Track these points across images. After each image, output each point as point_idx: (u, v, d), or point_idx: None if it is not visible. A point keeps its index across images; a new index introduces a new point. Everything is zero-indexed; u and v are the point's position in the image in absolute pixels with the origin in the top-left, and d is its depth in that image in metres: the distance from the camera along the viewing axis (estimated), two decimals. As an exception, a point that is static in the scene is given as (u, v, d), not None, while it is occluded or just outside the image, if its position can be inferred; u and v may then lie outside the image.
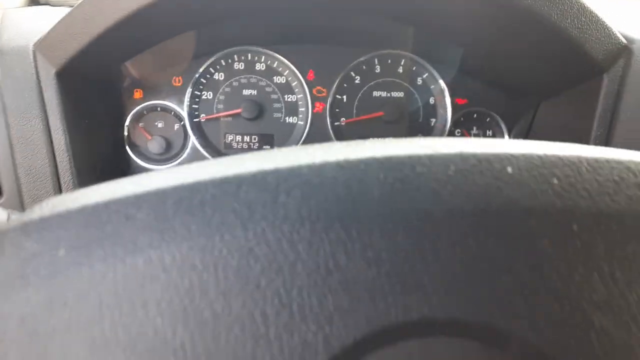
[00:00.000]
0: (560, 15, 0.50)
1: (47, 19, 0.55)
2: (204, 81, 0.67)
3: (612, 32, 0.52)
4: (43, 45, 0.53)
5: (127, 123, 0.66)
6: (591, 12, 0.51)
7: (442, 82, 0.68)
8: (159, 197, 0.18)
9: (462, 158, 0.18)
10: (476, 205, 0.17)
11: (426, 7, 0.55)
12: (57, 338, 0.16)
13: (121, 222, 0.17)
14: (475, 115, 0.69)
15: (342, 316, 0.16)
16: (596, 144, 0.55)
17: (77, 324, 0.16)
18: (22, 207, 0.54)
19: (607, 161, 0.19)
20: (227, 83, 0.68)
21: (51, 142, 0.53)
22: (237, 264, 0.16)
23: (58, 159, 0.53)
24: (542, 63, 0.58)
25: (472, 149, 0.19)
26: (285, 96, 0.68)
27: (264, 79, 0.68)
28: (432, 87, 0.69)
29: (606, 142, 0.54)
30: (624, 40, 0.53)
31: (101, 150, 0.61)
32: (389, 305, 0.16)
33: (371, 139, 0.21)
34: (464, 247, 0.17)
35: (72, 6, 0.54)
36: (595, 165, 0.19)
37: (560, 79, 0.59)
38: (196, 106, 0.67)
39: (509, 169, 0.18)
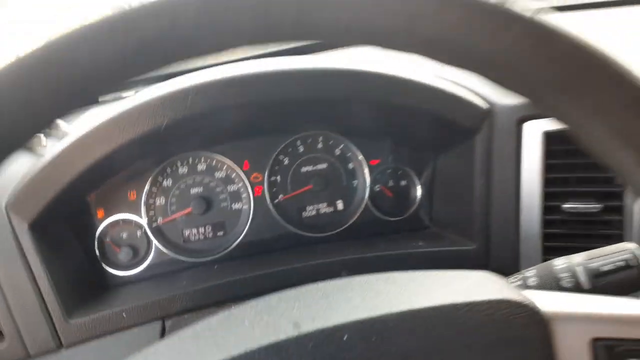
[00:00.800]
0: (427, 102, 0.64)
1: (12, 174, 0.64)
2: (155, 190, 0.77)
3: (473, 103, 0.66)
4: (14, 204, 0.61)
5: (96, 237, 0.75)
6: (450, 93, 0.65)
7: (356, 150, 0.81)
8: None
9: None
10: None
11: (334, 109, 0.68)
12: None
13: None
14: (389, 171, 0.82)
15: None
16: (480, 191, 0.69)
17: None
18: (22, 343, 0.62)
19: None
20: (176, 186, 0.78)
21: (35, 281, 0.62)
22: None
23: (44, 294, 0.62)
24: (429, 129, 0.72)
25: None
26: (228, 187, 0.79)
27: (207, 177, 0.79)
28: (349, 154, 0.82)
29: (487, 188, 0.69)
30: (485, 106, 0.67)
31: (77, 270, 0.70)
32: None
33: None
34: None
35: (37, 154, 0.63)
36: None
37: (446, 140, 0.73)
38: (152, 212, 0.77)
39: None
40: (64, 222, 0.69)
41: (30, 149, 0.68)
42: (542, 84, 0.22)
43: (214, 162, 0.79)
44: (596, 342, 0.31)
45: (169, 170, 0.78)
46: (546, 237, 0.65)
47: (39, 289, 0.62)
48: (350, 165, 0.82)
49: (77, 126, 0.63)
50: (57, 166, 0.62)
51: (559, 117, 0.23)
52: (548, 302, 0.32)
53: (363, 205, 0.82)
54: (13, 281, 0.61)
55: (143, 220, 0.77)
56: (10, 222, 0.62)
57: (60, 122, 0.68)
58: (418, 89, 0.66)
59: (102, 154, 0.62)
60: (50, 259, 0.63)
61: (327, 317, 0.29)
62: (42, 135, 0.70)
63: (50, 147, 0.65)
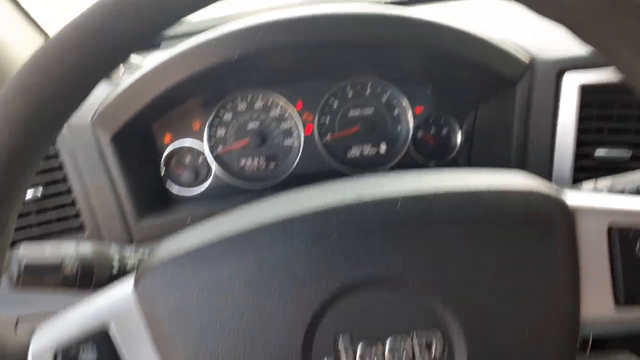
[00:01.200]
0: (474, 51, 0.69)
1: (96, 97, 0.73)
2: (216, 121, 0.86)
3: (515, 55, 0.71)
4: (99, 120, 0.71)
5: (162, 162, 0.84)
6: (496, 45, 0.69)
7: (402, 97, 0.86)
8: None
9: None
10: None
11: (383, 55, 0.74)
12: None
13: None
14: (432, 119, 0.88)
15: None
16: (518, 140, 0.73)
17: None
18: (100, 236, 0.73)
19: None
20: (235, 120, 0.86)
21: (114, 186, 0.72)
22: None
23: (122, 200, 0.72)
24: (473, 79, 0.77)
25: None
26: (281, 124, 0.87)
27: (262, 113, 0.86)
28: (395, 101, 0.87)
29: (525, 137, 0.73)
30: (527, 58, 0.71)
31: (148, 182, 0.80)
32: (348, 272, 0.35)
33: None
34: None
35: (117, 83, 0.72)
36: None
37: (488, 89, 0.78)
38: (213, 141, 0.86)
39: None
40: (139, 141, 0.79)
41: (110, 78, 0.78)
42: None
43: (270, 101, 0.86)
44: (612, 230, 0.36)
45: (229, 105, 0.86)
46: (576, 182, 0.70)
47: (117, 193, 0.72)
48: (396, 112, 0.87)
49: (150, 59, 0.72)
50: (135, 90, 0.71)
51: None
52: (573, 196, 0.37)
53: (405, 150, 0.88)
54: (96, 185, 0.72)
55: (205, 148, 0.85)
56: (96, 135, 0.71)
57: (134, 56, 0.77)
58: (466, 38, 0.71)
59: (173, 83, 0.70)
60: (127, 168, 0.73)
61: (383, 191, 0.36)
62: (120, 67, 0.79)
63: (126, 76, 0.74)
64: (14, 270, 0.43)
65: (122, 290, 0.36)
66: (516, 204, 0.36)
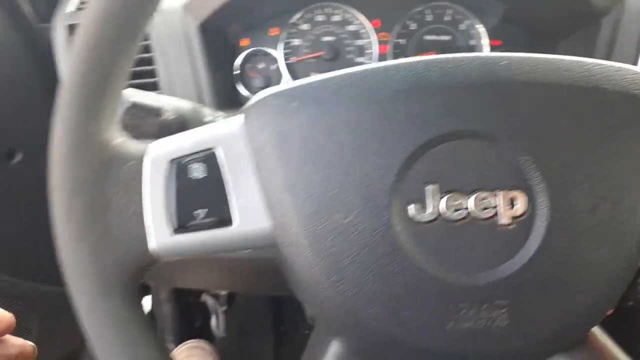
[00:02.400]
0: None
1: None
2: (294, 31, 0.87)
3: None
4: (189, 5, 0.74)
5: (239, 63, 0.87)
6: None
7: (480, 27, 0.86)
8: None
9: None
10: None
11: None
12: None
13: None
14: (507, 53, 0.87)
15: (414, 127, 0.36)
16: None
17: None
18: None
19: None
20: (311, 31, 0.87)
21: (197, 77, 0.75)
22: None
23: (202, 89, 0.75)
24: (558, 10, 0.76)
25: None
26: (356, 41, 0.88)
27: (339, 28, 0.87)
28: (472, 31, 0.86)
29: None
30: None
31: (224, 82, 0.83)
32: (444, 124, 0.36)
33: None
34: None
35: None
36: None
37: (572, 23, 0.76)
38: (288, 50, 0.88)
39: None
40: (222, 38, 0.82)
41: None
42: None
43: (348, 15, 0.87)
44: None
45: (308, 15, 0.87)
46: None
47: (198, 82, 0.75)
48: (472, 42, 0.87)
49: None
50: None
51: None
52: None
53: (475, 81, 0.87)
54: (179, 71, 0.75)
55: (279, 55, 0.87)
56: (185, 22, 0.74)
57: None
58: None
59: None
60: (210, 60, 0.76)
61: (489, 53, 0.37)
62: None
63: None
64: (120, 106, 0.47)
65: (233, 120, 0.39)
66: (616, 78, 0.36)
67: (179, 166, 0.37)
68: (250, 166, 0.37)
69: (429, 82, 0.36)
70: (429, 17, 0.87)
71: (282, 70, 0.88)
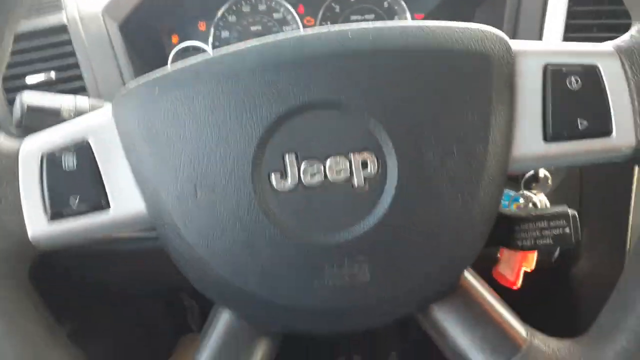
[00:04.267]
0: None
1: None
2: (222, 24, 0.89)
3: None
4: (107, 8, 0.76)
5: (170, 60, 0.89)
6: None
7: (402, 2, 0.87)
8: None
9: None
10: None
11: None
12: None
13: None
14: (431, 26, 0.89)
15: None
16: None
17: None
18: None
19: None
20: (239, 23, 0.89)
21: (122, 78, 0.77)
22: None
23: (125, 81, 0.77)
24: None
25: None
26: (284, 27, 0.90)
27: (265, 16, 0.89)
28: (396, 7, 0.88)
29: (514, 32, 0.74)
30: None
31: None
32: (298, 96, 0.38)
33: None
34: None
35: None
36: None
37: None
38: (218, 43, 0.90)
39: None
40: (147, 36, 0.83)
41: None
42: None
43: (273, 3, 0.89)
44: (547, 68, 0.39)
45: (234, 7, 0.89)
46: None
47: (124, 82, 0.77)
48: (396, 18, 0.89)
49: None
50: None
51: None
52: (517, 42, 0.40)
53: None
54: (105, 73, 0.77)
55: (209, 48, 0.89)
56: (105, 24, 0.76)
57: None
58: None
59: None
60: (135, 59, 0.78)
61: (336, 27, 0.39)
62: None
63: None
64: (18, 110, 0.49)
65: (102, 112, 0.41)
66: (460, 37, 0.38)
67: (51, 158, 0.39)
68: (119, 152, 0.39)
69: (280, 59, 0.38)
70: (352, -2, 0.89)
71: (214, 63, 0.90)
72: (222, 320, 0.43)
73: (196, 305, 1.38)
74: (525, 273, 0.59)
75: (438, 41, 0.39)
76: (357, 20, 0.89)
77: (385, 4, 0.88)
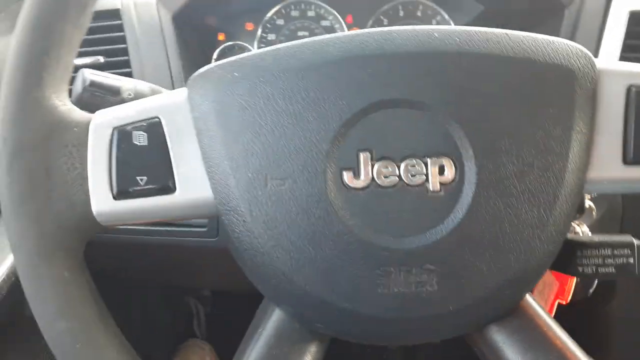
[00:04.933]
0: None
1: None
2: (269, 26, 0.89)
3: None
4: (162, -1, 0.76)
5: (214, 57, 0.89)
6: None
7: (450, 22, 0.87)
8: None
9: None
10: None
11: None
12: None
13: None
14: (478, 48, 0.88)
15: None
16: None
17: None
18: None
19: None
20: (286, 27, 0.89)
21: (170, 67, 0.77)
22: None
23: (176, 81, 0.77)
24: (523, 1, 0.77)
25: None
26: (331, 36, 0.90)
27: (313, 23, 0.89)
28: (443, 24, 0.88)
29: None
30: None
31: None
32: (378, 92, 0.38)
33: None
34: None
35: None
36: None
37: (536, 14, 0.78)
38: (263, 45, 0.90)
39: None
40: (197, 31, 0.84)
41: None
42: None
43: (322, 10, 0.89)
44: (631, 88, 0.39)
45: (283, 11, 0.89)
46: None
47: (171, 72, 0.77)
48: (443, 37, 0.89)
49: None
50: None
51: None
52: (601, 59, 0.39)
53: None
54: (153, 61, 0.76)
55: (254, 50, 0.89)
56: (159, 13, 0.76)
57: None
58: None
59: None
60: (183, 50, 0.78)
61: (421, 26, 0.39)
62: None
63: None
64: (79, 85, 0.48)
65: (176, 92, 0.40)
66: (546, 49, 0.38)
67: (122, 133, 0.38)
68: (191, 136, 0.38)
69: (363, 53, 0.38)
70: (401, 13, 0.88)
71: (257, 64, 0.89)
72: (273, 319, 0.41)
73: (203, 311, 1.36)
74: (559, 306, 0.57)
75: (524, 50, 0.38)
76: (404, 35, 0.89)
77: (434, 22, 0.88)
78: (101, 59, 0.75)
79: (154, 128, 0.39)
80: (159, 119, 0.39)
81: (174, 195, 0.38)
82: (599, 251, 0.43)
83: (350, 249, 0.37)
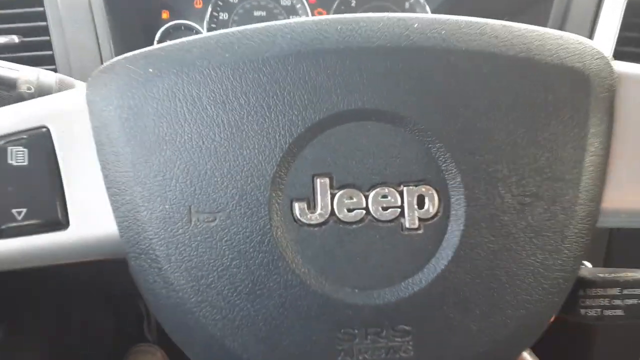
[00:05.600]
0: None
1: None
2: (221, 3, 0.78)
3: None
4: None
5: (157, 38, 0.77)
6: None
7: (427, 7, 0.79)
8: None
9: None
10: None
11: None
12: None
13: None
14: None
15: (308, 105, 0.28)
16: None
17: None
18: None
19: None
20: (241, 5, 0.79)
21: (100, 50, 0.65)
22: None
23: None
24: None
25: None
26: (290, 16, 0.79)
27: (272, 2, 0.79)
28: (417, 9, 0.79)
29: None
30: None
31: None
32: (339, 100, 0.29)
33: None
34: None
35: None
36: None
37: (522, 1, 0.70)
38: (214, 25, 0.79)
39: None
40: (134, 7, 0.72)
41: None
42: None
43: (283, -12, 0.79)
44: None
45: (237, -13, 0.78)
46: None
47: (101, 56, 0.65)
48: (417, 21, 0.80)
49: None
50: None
51: None
52: (620, 63, 0.31)
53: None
54: (79, 43, 0.65)
55: (204, 30, 0.78)
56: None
57: None
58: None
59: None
60: (117, 31, 0.66)
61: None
62: None
63: None
64: None
65: (71, 94, 0.30)
66: (554, 47, 0.29)
67: None
68: (90, 151, 0.29)
69: (322, 46, 0.28)
70: (371, -7, 0.79)
71: (207, 47, 0.79)
72: None
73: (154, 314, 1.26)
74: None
75: (527, 47, 0.30)
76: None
77: (407, 5, 0.79)
78: (16, 38, 0.63)
79: (38, 141, 0.29)
80: (47, 129, 0.29)
81: (65, 233, 0.28)
82: (605, 291, 0.36)
83: (302, 305, 0.28)
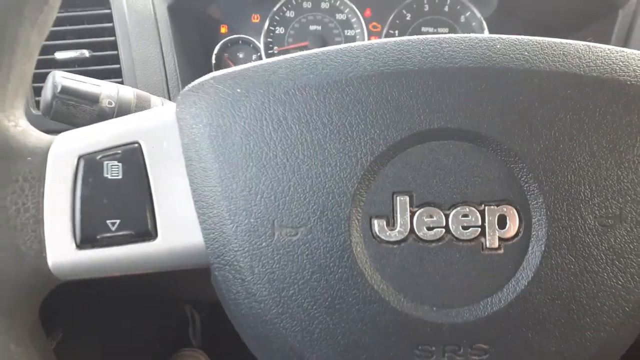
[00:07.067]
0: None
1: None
2: (278, 18, 0.80)
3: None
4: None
5: (215, 52, 0.80)
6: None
7: (482, 19, 0.78)
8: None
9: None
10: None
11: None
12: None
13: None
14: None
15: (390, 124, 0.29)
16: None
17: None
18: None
19: None
20: (297, 20, 0.80)
21: (164, 63, 0.68)
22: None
23: (171, 78, 0.68)
24: (570, 3, 0.68)
25: None
26: (345, 31, 0.81)
27: (327, 16, 0.80)
28: (473, 24, 0.79)
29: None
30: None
31: (195, 70, 0.76)
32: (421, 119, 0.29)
33: None
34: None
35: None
36: None
37: (585, 15, 0.69)
38: (270, 39, 0.81)
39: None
40: (196, 22, 0.75)
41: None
42: None
43: (338, 2, 0.80)
44: None
45: (294, 2, 0.80)
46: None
47: (165, 68, 0.68)
48: (472, 35, 0.80)
49: None
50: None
51: None
52: None
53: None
54: (145, 56, 0.68)
55: (261, 44, 0.80)
56: (153, 2, 0.67)
57: None
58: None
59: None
60: (180, 44, 0.69)
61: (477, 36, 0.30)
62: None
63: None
64: (49, 91, 0.40)
65: (164, 109, 0.32)
66: (638, 67, 0.29)
67: (91, 164, 0.30)
68: (179, 166, 0.30)
69: (405, 67, 0.29)
70: (426, 7, 0.79)
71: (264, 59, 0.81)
72: None
73: (198, 318, 1.28)
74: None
75: (611, 69, 0.29)
76: (428, 32, 0.80)
77: (462, 19, 0.79)
78: (86, 52, 0.66)
79: (131, 157, 0.30)
80: (139, 144, 0.30)
81: (154, 243, 0.30)
82: None
83: (380, 321, 0.28)
